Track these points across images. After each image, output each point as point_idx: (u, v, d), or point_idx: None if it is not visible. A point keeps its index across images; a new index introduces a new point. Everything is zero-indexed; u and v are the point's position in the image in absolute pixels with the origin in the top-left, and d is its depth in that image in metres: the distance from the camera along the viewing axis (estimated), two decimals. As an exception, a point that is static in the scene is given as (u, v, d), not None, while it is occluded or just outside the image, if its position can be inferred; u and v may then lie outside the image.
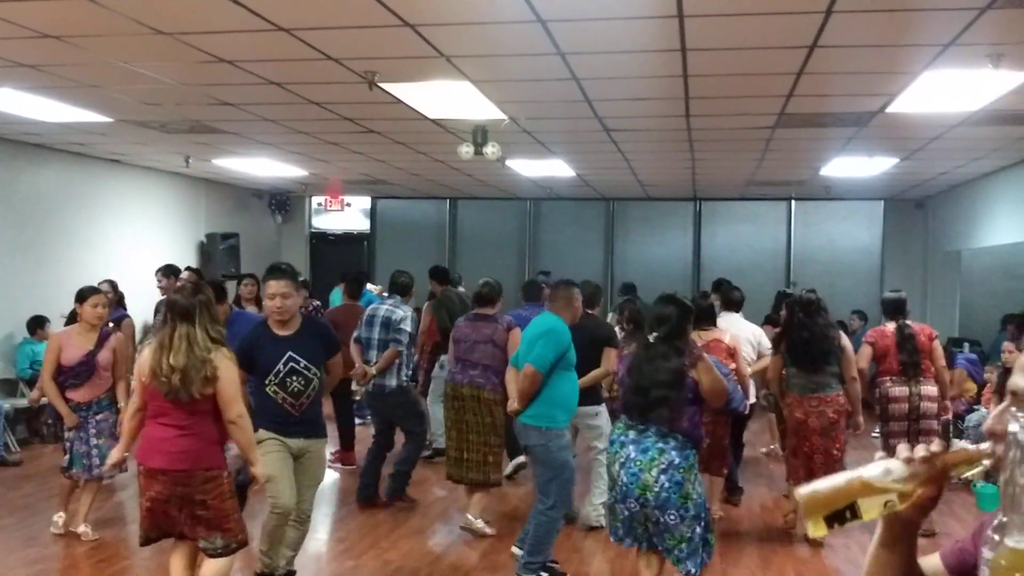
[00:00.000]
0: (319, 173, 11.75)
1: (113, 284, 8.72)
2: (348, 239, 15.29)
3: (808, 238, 13.85)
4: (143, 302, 9.71)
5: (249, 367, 4.67)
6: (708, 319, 6.45)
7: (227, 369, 4.06)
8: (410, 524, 6.49)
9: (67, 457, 5.87)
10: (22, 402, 8.71)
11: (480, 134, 7.54)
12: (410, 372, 7.04)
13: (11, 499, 6.82)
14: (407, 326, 6.71)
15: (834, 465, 5.95)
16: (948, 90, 5.92)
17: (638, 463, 4.26)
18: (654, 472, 4.22)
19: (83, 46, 5.24)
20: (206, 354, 4.00)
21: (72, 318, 7.16)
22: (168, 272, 8.69)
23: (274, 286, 4.65)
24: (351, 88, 6.10)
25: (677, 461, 4.25)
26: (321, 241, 15.38)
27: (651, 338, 4.39)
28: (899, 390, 6.36)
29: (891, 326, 6.63)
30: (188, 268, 7.19)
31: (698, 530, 4.31)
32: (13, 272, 9.04)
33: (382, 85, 5.99)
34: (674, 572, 4.46)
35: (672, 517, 4.24)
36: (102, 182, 10.67)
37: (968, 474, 1.26)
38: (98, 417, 5.93)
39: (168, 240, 11.93)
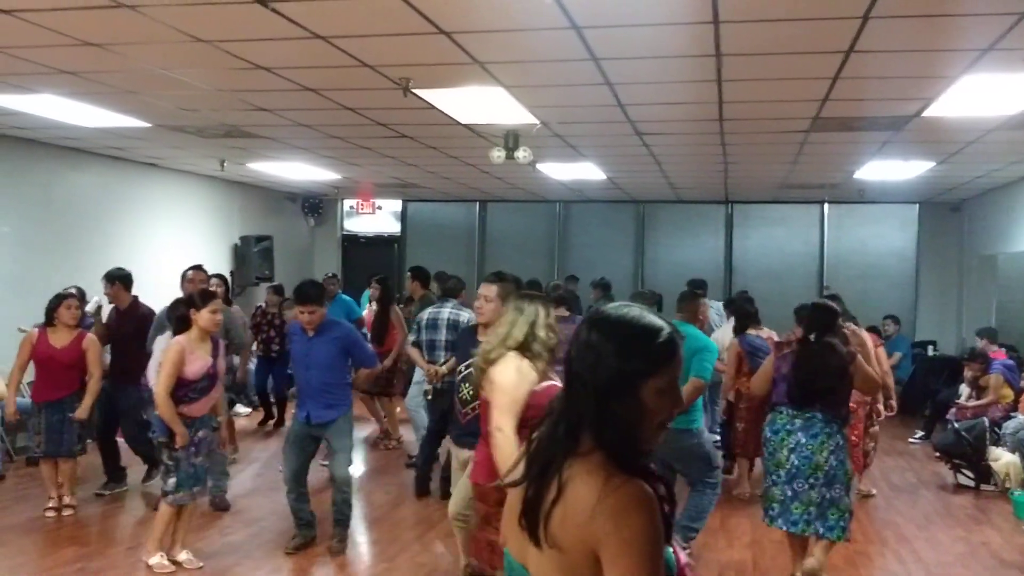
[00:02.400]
0: (351, 177, 11.83)
1: (81, 292, 8.22)
2: (379, 242, 15.39)
3: (841, 242, 13.72)
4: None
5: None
6: (755, 319, 7.72)
7: (503, 374, 3.62)
8: (442, 527, 6.52)
9: (172, 480, 5.32)
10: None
11: (512, 138, 7.57)
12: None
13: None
14: None
15: (853, 450, 6.74)
16: (986, 94, 5.86)
17: (809, 447, 4.96)
18: (824, 453, 4.93)
19: (123, 53, 5.33)
20: (493, 353, 3.70)
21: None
22: (111, 278, 7.39)
23: (482, 289, 4.92)
24: (385, 94, 6.14)
25: (841, 443, 5.00)
26: (352, 244, 15.50)
27: (811, 337, 5.08)
28: None
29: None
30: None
31: (849, 502, 5.10)
32: (51, 274, 9.17)
33: (416, 91, 6.03)
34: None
35: (837, 491, 4.96)
36: (138, 186, 10.83)
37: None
38: (200, 434, 5.42)
39: (203, 243, 12.07)
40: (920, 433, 10.21)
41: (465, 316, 7.01)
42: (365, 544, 6.22)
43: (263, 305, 10.51)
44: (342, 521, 5.88)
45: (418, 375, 8.11)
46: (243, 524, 6.49)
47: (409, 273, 8.80)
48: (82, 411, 6.44)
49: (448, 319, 6.99)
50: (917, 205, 13.39)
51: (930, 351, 12.54)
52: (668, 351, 1.71)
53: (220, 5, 4.33)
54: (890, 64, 5.28)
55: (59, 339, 6.45)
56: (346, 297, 10.15)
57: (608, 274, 12.41)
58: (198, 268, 7.01)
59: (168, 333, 5.65)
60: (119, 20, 4.58)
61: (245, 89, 6.32)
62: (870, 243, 13.64)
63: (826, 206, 13.66)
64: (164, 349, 5.43)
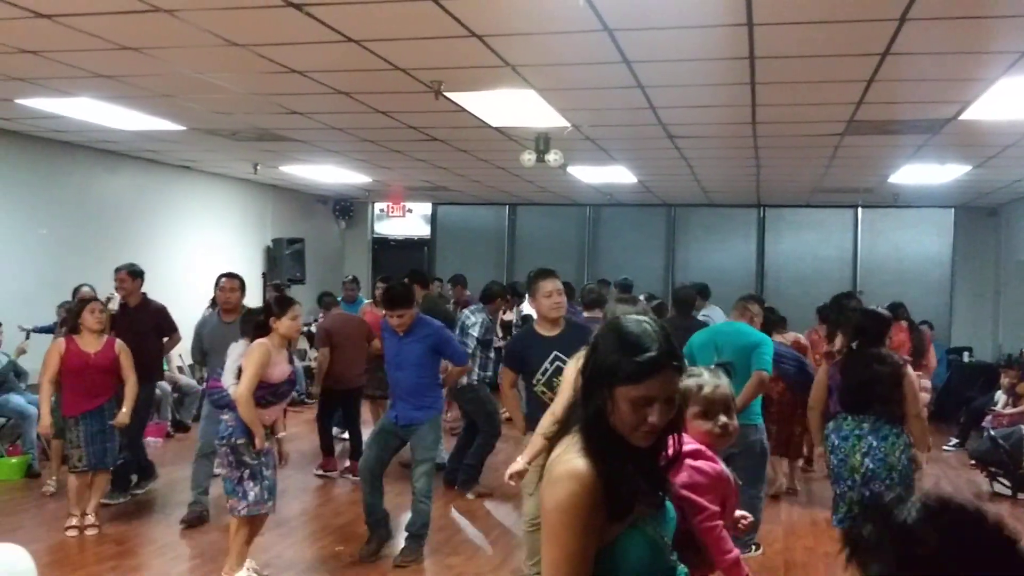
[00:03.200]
0: (382, 180, 11.89)
1: (92, 290, 8.17)
2: (409, 244, 15.46)
3: (875, 246, 13.57)
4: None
5: (519, 368, 5.02)
6: (779, 324, 7.97)
7: None
8: (470, 531, 6.53)
9: (256, 490, 5.04)
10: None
11: (543, 141, 7.56)
12: (488, 373, 7.69)
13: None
14: (475, 331, 7.56)
15: None
16: (1026, 97, 5.77)
17: (882, 448, 5.00)
18: (897, 453, 4.99)
19: (160, 57, 5.40)
20: None
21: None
22: (136, 274, 7.35)
23: (552, 284, 4.91)
24: (417, 97, 6.17)
25: (908, 441, 5.05)
26: (383, 246, 15.58)
27: (853, 346, 5.13)
28: None
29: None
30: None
31: None
32: (86, 275, 9.30)
33: (448, 94, 6.05)
34: None
35: (908, 492, 4.84)
36: (173, 188, 10.96)
37: None
38: (266, 445, 5.10)
39: (236, 245, 12.18)
40: (955, 440, 10.06)
41: (472, 320, 7.61)
42: (392, 546, 6.22)
43: None
44: (415, 535, 5.74)
45: None
46: (273, 525, 6.50)
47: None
48: (123, 416, 6.22)
49: (460, 320, 7.75)
50: (953, 210, 13.21)
51: (965, 357, 12.36)
52: (640, 370, 1.83)
53: (255, 9, 4.38)
54: (927, 67, 5.22)
55: (89, 345, 6.16)
56: (367, 301, 10.19)
57: (638, 278, 12.37)
58: (231, 276, 6.97)
59: (244, 341, 5.40)
60: (155, 24, 4.64)
61: (278, 93, 6.37)
62: (905, 248, 13.47)
63: (860, 210, 13.51)
64: (245, 352, 5.15)
